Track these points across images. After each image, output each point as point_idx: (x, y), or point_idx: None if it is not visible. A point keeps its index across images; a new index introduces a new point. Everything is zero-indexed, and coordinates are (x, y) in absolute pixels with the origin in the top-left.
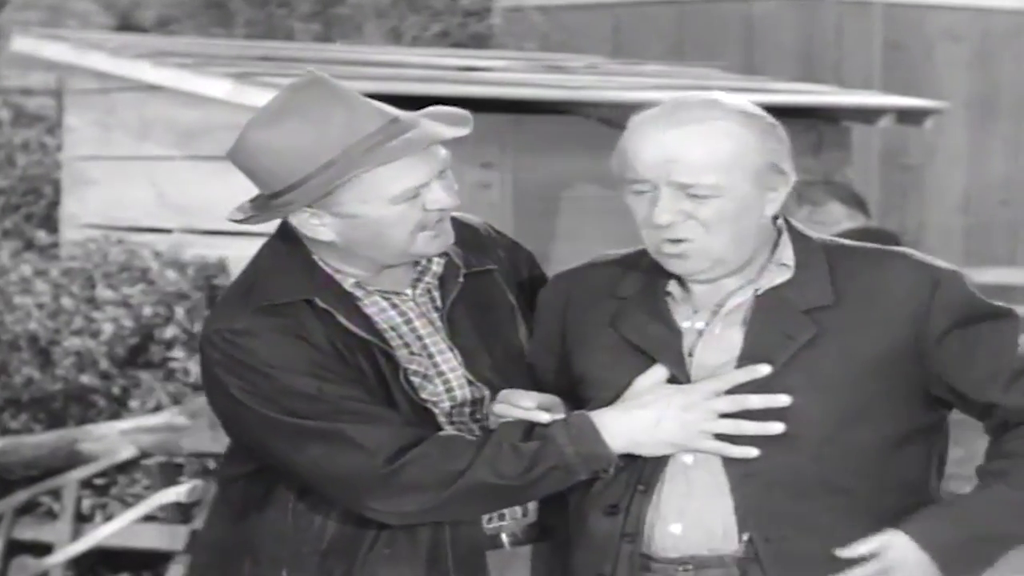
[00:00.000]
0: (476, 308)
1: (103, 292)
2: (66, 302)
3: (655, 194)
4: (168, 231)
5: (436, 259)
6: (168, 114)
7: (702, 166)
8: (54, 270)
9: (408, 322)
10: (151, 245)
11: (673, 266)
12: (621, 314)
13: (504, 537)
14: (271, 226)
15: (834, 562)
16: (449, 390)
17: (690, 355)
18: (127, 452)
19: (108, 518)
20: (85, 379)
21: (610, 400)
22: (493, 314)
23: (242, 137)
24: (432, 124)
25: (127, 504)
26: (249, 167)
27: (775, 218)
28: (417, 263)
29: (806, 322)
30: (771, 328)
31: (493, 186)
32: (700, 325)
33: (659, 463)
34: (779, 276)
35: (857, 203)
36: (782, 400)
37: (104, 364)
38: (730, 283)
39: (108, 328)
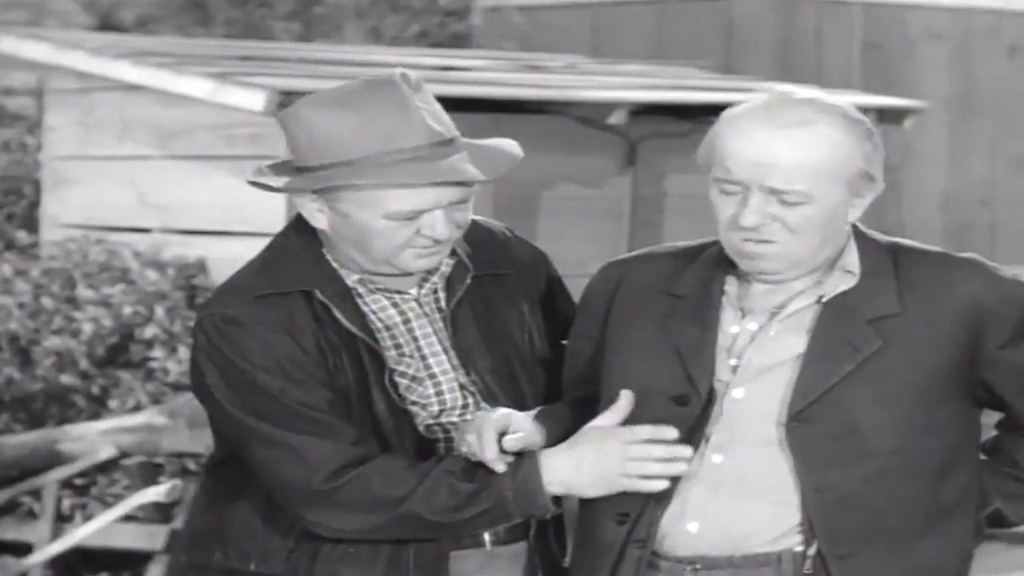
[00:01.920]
0: (481, 311)
1: (83, 292)
2: (46, 302)
3: (744, 195)
4: (148, 231)
5: (446, 259)
6: (148, 114)
7: (798, 172)
8: (34, 270)
9: (407, 322)
10: (131, 245)
11: (749, 265)
12: (673, 312)
13: (486, 536)
14: (253, 226)
15: None
16: (439, 393)
17: (736, 357)
18: (107, 452)
19: (88, 518)
20: (65, 379)
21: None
22: (498, 318)
23: (299, 106)
24: (461, 162)
25: (107, 504)
26: (290, 135)
27: None
28: None
29: (871, 333)
30: (835, 337)
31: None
32: (752, 327)
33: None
34: (844, 283)
35: None
36: (684, 452)
37: (84, 364)
38: (795, 285)
39: (88, 328)
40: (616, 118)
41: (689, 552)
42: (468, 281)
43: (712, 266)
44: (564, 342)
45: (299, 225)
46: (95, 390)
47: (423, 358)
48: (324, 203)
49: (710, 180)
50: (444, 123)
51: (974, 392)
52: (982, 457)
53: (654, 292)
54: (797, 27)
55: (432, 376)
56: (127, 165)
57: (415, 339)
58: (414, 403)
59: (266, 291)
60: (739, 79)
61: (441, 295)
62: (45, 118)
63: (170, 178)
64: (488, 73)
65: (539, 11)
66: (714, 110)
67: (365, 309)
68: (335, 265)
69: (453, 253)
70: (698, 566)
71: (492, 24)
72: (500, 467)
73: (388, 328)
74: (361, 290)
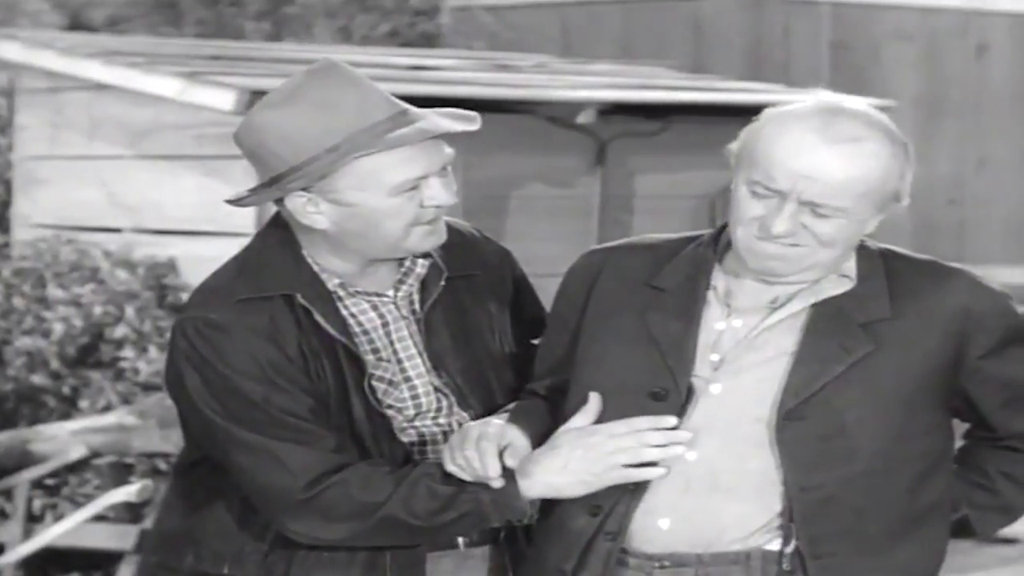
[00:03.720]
0: (454, 313)
1: (54, 292)
2: (17, 302)
3: (780, 203)
4: (118, 231)
5: (420, 261)
6: (118, 113)
7: (840, 189)
8: (5, 270)
9: (385, 325)
10: (101, 245)
11: (760, 265)
12: (654, 305)
13: (460, 538)
14: (223, 226)
15: None
16: (415, 396)
17: (719, 353)
18: (77, 452)
19: (59, 518)
20: (36, 379)
21: (606, 390)
22: (469, 320)
23: (250, 117)
24: (439, 118)
25: (78, 504)
26: (253, 147)
27: None
28: (401, 264)
29: (863, 336)
30: (827, 338)
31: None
32: (738, 324)
33: (654, 463)
34: (840, 287)
35: None
36: (682, 436)
37: (55, 364)
38: (789, 285)
39: (59, 328)
40: (585, 117)
41: (658, 549)
42: (442, 283)
43: (699, 261)
44: (534, 341)
45: (276, 226)
46: (66, 390)
47: (399, 362)
48: (323, 200)
49: (741, 178)
50: (391, 96)
51: (951, 401)
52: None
53: (635, 283)
54: (765, 26)
55: (408, 380)
56: (97, 165)
57: (392, 343)
58: (390, 407)
59: (248, 295)
60: (708, 79)
61: (415, 297)
62: (16, 118)
63: (140, 178)
64: (457, 72)
65: (508, 11)
66: (683, 109)
67: (345, 313)
68: (316, 268)
69: (427, 255)
70: (667, 563)
71: (461, 24)
72: (499, 483)
73: (367, 332)
74: (341, 293)
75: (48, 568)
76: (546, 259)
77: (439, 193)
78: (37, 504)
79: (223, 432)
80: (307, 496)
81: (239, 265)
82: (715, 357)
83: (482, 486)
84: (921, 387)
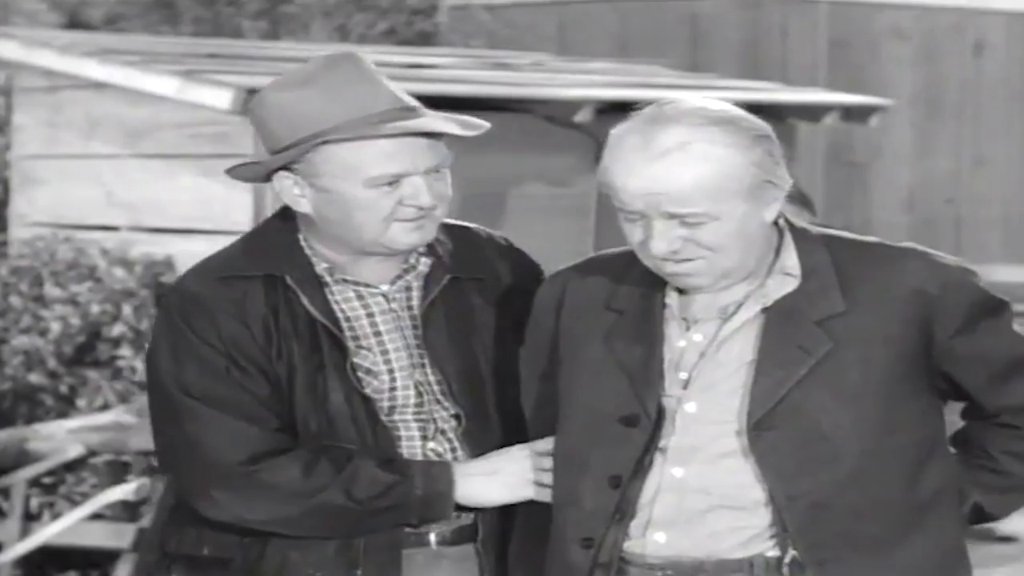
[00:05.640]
0: (455, 314)
1: (51, 290)
2: (14, 300)
3: (648, 223)
4: (115, 229)
5: (424, 259)
6: (116, 112)
7: (689, 196)
8: (2, 268)
9: (370, 315)
10: (99, 243)
11: (678, 282)
12: (616, 329)
13: (432, 536)
14: (220, 224)
15: None
16: (392, 388)
17: (686, 371)
18: (75, 451)
19: (56, 516)
20: (33, 378)
21: (582, 421)
22: (470, 323)
23: (264, 93)
24: (436, 119)
25: (75, 502)
26: (259, 122)
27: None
28: (405, 260)
29: (820, 335)
30: (784, 342)
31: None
32: (698, 338)
33: (636, 487)
34: (785, 286)
35: (803, 201)
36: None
37: (52, 363)
38: (735, 291)
39: (56, 326)
40: (582, 116)
41: (658, 560)
42: (445, 282)
43: (650, 278)
44: None
45: (283, 214)
46: (63, 389)
47: (383, 352)
48: (305, 184)
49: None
50: (406, 95)
51: (935, 384)
52: (952, 450)
53: (596, 307)
54: (763, 25)
55: (390, 371)
56: (94, 163)
57: (377, 333)
58: (370, 397)
59: (230, 272)
60: (705, 77)
61: (415, 294)
62: (13, 117)
63: (137, 176)
64: (455, 71)
65: (505, 9)
66: None
67: (330, 298)
68: (308, 252)
69: (433, 252)
70: (669, 571)
71: (458, 22)
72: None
73: (348, 319)
74: (328, 279)
75: (46, 566)
76: (543, 258)
77: (419, 193)
78: (35, 503)
79: (176, 400)
80: (246, 470)
81: (238, 246)
82: (683, 375)
83: (421, 479)
84: (894, 377)
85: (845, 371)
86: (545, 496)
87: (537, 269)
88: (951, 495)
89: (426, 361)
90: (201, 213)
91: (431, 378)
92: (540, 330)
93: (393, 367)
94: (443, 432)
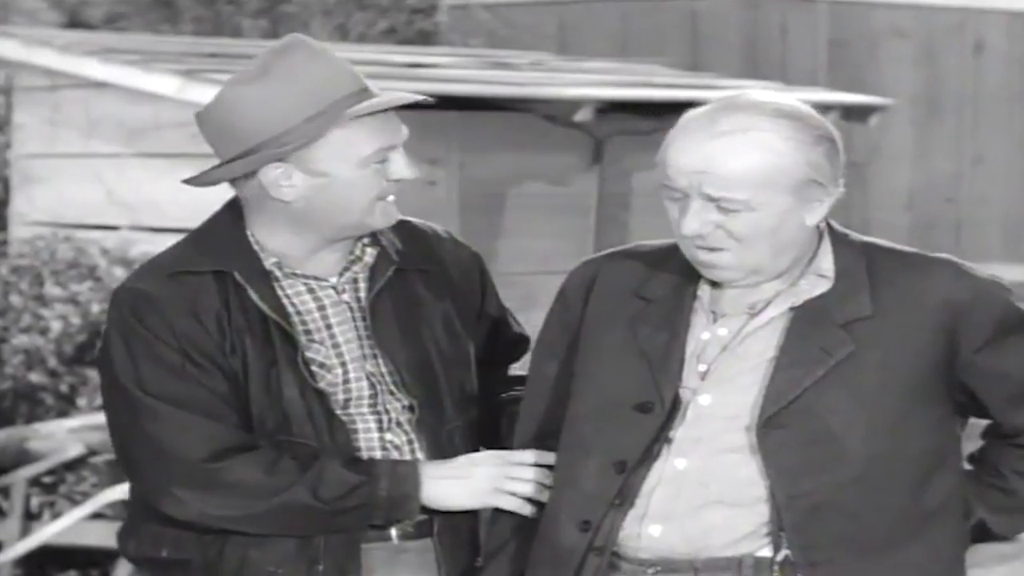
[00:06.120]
0: (403, 304)
1: (51, 289)
2: (15, 300)
3: (685, 203)
4: (116, 228)
5: (368, 250)
6: (116, 111)
7: (734, 181)
8: (3, 268)
9: (321, 308)
10: (99, 242)
11: (707, 272)
12: (643, 317)
13: (392, 531)
14: None
15: None
16: (346, 381)
17: (705, 363)
18: (75, 450)
19: (56, 516)
20: (33, 377)
21: (594, 404)
22: (420, 313)
23: (220, 94)
24: (394, 92)
25: (75, 502)
26: (224, 123)
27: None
28: (350, 252)
29: (843, 337)
30: (807, 341)
31: (439, 183)
32: (723, 332)
33: (640, 475)
34: (817, 287)
35: None
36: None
37: (52, 362)
38: (766, 288)
39: (56, 326)
40: (582, 115)
41: (650, 555)
42: (390, 273)
43: (685, 270)
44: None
45: (228, 208)
46: (63, 388)
47: (335, 346)
48: (296, 171)
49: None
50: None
51: (954, 396)
52: (968, 467)
53: (625, 294)
54: (762, 24)
55: (343, 364)
56: (95, 163)
57: (328, 326)
58: (324, 390)
59: (179, 269)
60: (705, 76)
61: (362, 285)
62: (13, 116)
63: (137, 176)
64: (455, 70)
65: (505, 8)
66: (680, 107)
67: (280, 293)
68: (256, 247)
69: (377, 243)
70: (659, 568)
71: (459, 21)
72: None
73: (300, 314)
74: (278, 274)
75: (46, 566)
76: (543, 256)
77: (402, 167)
78: (35, 502)
79: (135, 399)
80: (209, 467)
81: (186, 241)
82: (702, 367)
83: (387, 480)
84: (914, 384)
85: (864, 374)
86: (512, 505)
87: (479, 258)
88: (956, 509)
89: (376, 352)
90: (201, 213)
91: (383, 369)
92: (565, 312)
93: (345, 359)
94: (399, 423)
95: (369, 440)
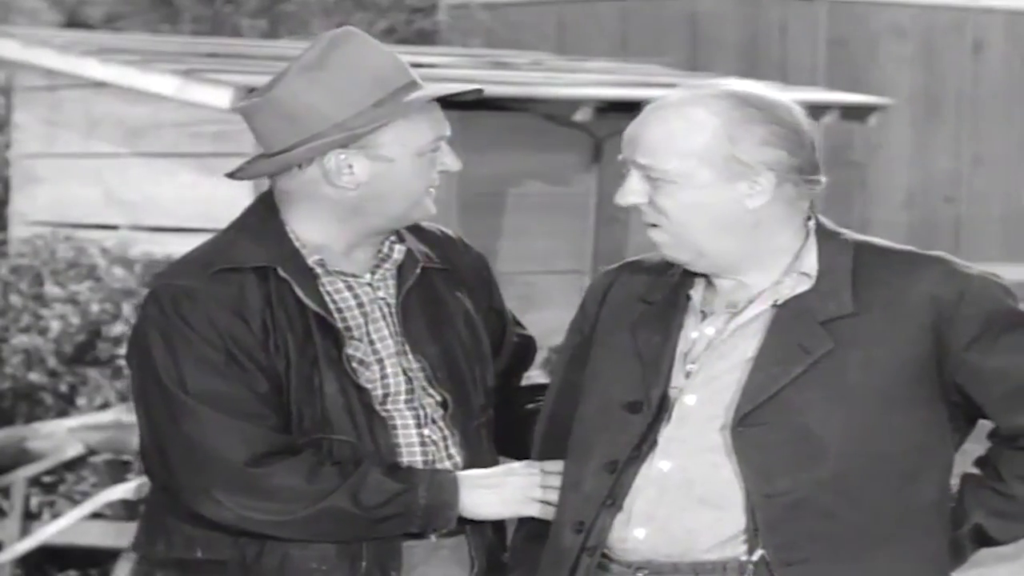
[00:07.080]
0: (429, 302)
1: (51, 289)
2: (14, 299)
3: (628, 174)
4: (115, 228)
5: (397, 247)
6: (115, 111)
7: (657, 148)
8: (2, 267)
9: (360, 305)
10: (98, 242)
11: (661, 253)
12: (642, 319)
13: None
14: (219, 223)
15: None
16: (383, 377)
17: (692, 363)
18: (74, 450)
19: (56, 516)
20: (33, 377)
21: (596, 407)
22: (445, 310)
23: (287, 79)
24: (448, 84)
25: (75, 502)
26: (286, 111)
27: (808, 218)
28: (379, 250)
29: (823, 335)
30: (786, 339)
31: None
32: (710, 331)
33: (630, 475)
34: (800, 285)
35: None
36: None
37: (52, 362)
38: (751, 287)
39: (56, 325)
40: (582, 115)
41: (637, 557)
42: (418, 271)
43: (684, 272)
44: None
45: (262, 203)
46: (63, 388)
47: (372, 343)
48: (361, 156)
49: None
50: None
51: (947, 396)
52: (974, 471)
53: (632, 299)
54: (762, 24)
55: (379, 361)
56: (94, 162)
57: (366, 323)
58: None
59: (222, 266)
60: (704, 76)
61: (391, 283)
62: (13, 116)
63: (137, 175)
64: (454, 70)
65: (505, 8)
66: None
67: (322, 290)
68: (297, 244)
69: (403, 242)
70: (646, 571)
71: (458, 21)
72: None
73: (341, 311)
74: (319, 271)
75: (45, 566)
76: (543, 256)
77: (452, 159)
78: (34, 502)
79: (175, 399)
80: (252, 471)
81: (224, 237)
82: (691, 367)
83: (426, 488)
84: (896, 383)
85: (844, 372)
86: (545, 514)
87: (485, 260)
88: (941, 513)
89: (407, 348)
90: (201, 212)
91: (414, 365)
92: (583, 319)
93: (382, 356)
94: (433, 420)
95: (408, 436)
